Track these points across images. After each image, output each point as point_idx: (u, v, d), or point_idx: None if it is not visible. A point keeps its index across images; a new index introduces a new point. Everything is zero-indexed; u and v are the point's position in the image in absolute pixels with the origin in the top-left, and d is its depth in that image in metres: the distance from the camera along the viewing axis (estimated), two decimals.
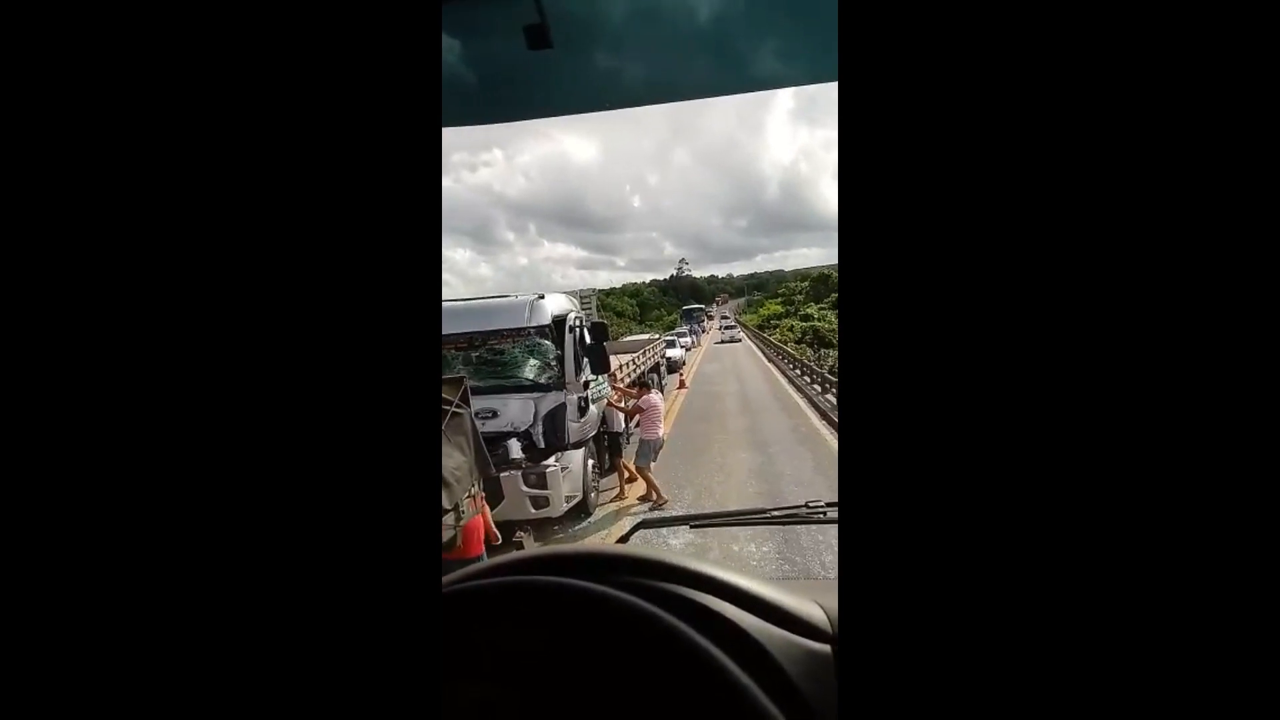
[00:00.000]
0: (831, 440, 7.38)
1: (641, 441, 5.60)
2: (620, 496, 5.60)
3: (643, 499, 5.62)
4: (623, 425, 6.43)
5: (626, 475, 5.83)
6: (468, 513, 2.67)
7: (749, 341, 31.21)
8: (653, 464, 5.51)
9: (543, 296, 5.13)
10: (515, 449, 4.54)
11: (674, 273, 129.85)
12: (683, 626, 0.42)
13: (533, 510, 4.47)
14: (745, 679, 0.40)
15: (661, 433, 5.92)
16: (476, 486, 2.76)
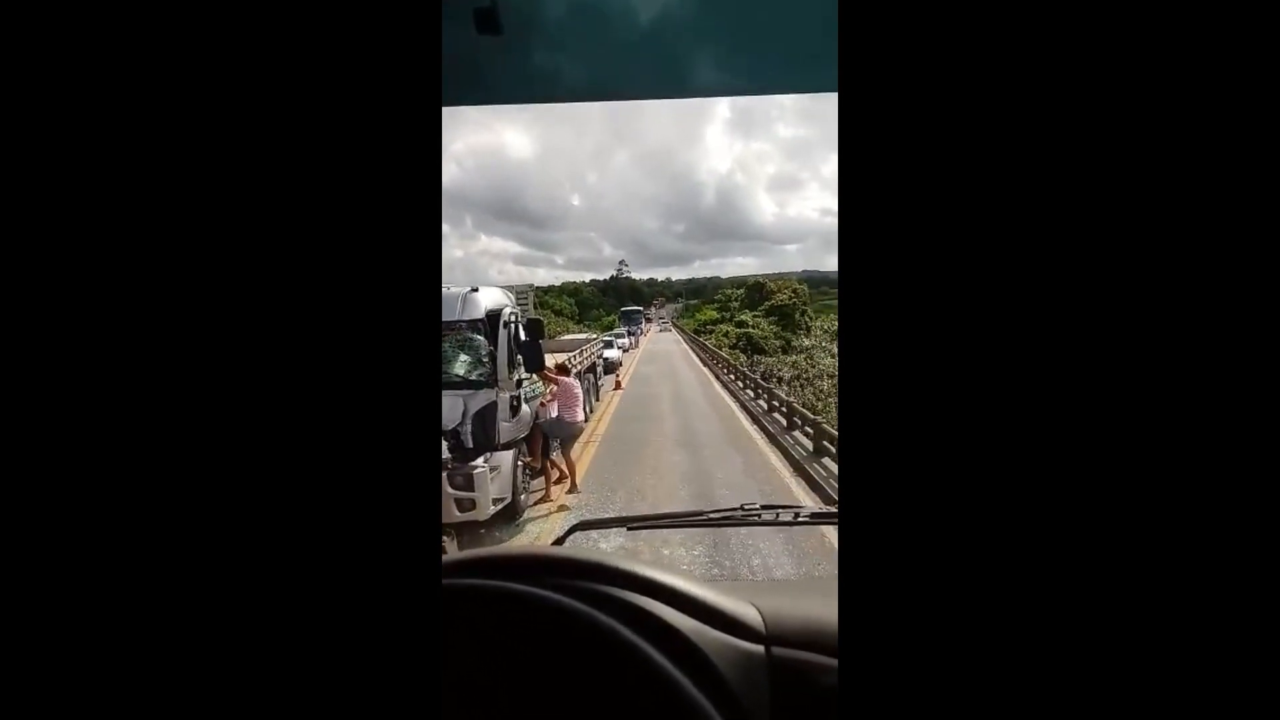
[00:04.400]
0: (762, 444, 7.58)
1: (559, 421, 5.50)
2: (546, 498, 5.47)
3: (568, 490, 5.55)
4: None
5: (555, 476, 5.70)
6: None
7: (685, 345, 31.90)
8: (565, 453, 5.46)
9: (476, 290, 4.93)
10: (441, 449, 4.31)
11: (614, 274, 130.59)
12: (618, 626, 0.42)
13: (457, 513, 4.26)
14: (680, 677, 0.40)
15: (581, 418, 5.83)
16: None
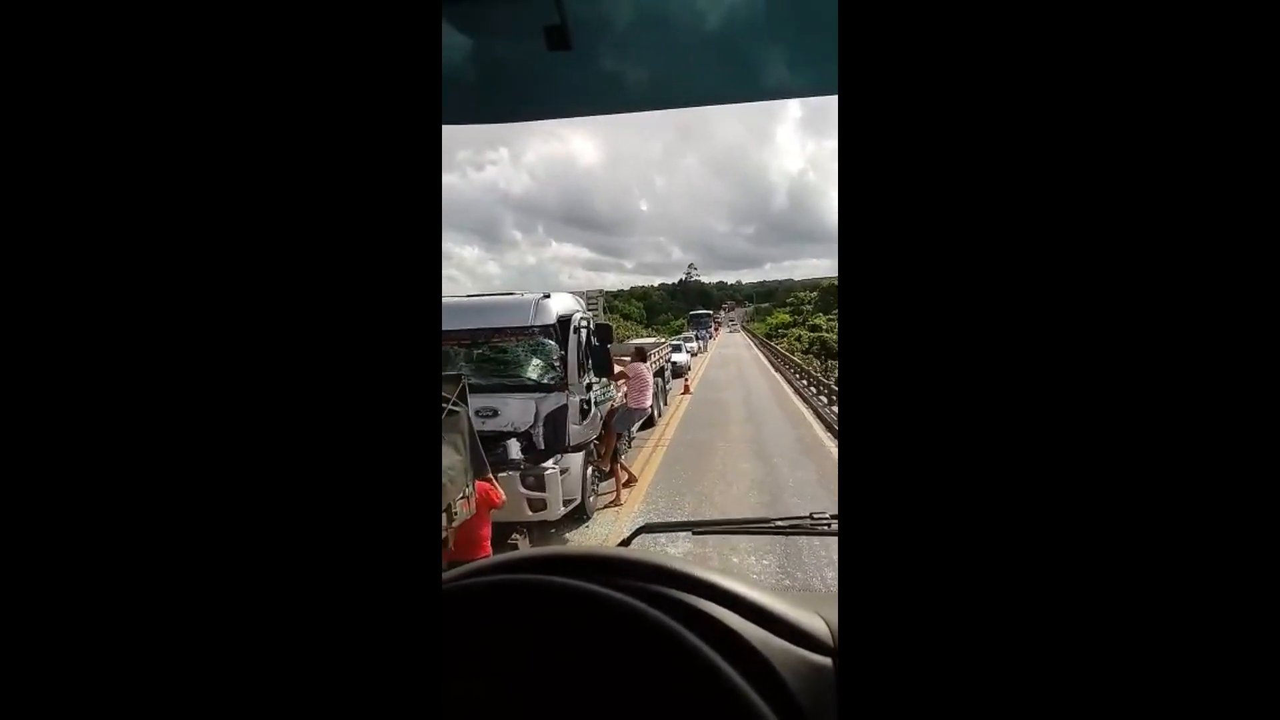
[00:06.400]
0: (835, 452, 7.29)
1: (625, 409, 5.62)
2: (616, 502, 5.53)
3: (627, 484, 5.65)
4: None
5: (625, 479, 5.76)
6: (461, 514, 2.60)
7: (756, 350, 31.33)
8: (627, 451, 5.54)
9: (548, 295, 5.09)
10: (514, 449, 4.48)
11: (682, 277, 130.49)
12: (683, 631, 0.42)
13: (529, 513, 4.40)
14: (745, 686, 0.39)
15: (649, 403, 6.02)
16: (471, 488, 2.69)
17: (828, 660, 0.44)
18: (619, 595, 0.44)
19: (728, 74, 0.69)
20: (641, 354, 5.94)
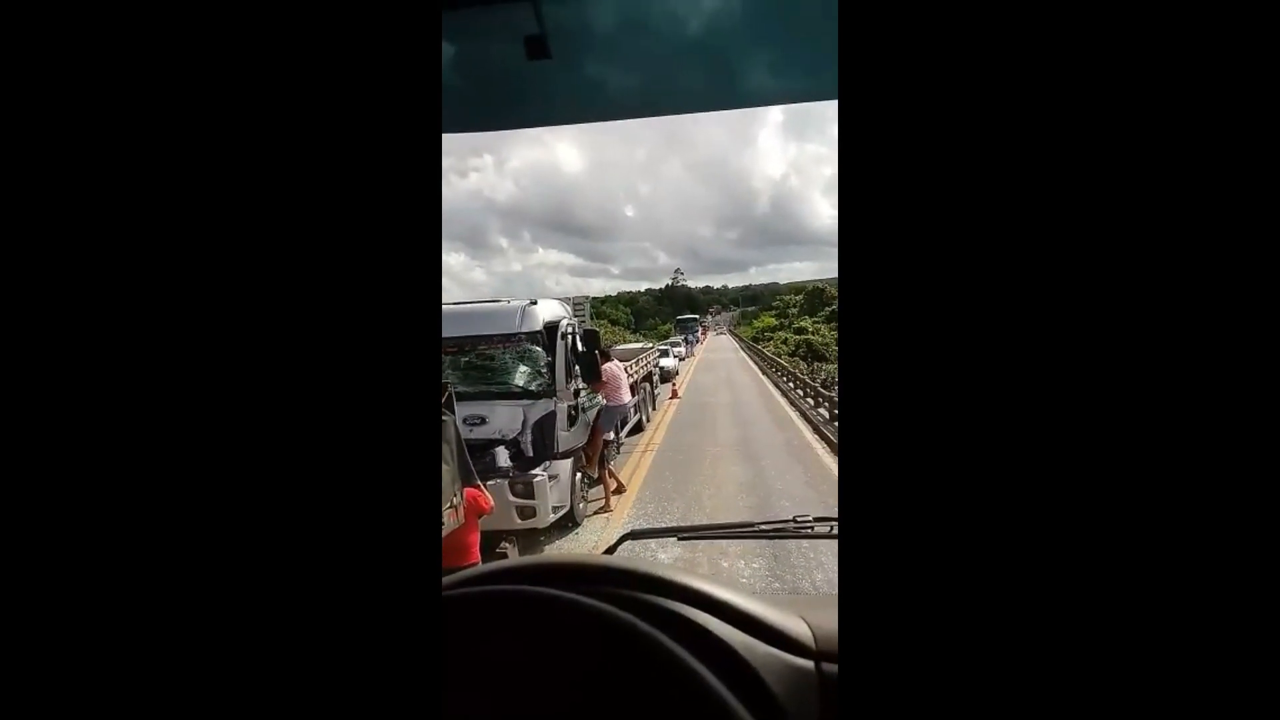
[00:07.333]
0: (824, 455, 7.34)
1: (606, 409, 5.65)
2: (606, 509, 5.51)
3: (616, 492, 5.64)
4: (613, 434, 6.38)
5: (614, 486, 5.74)
6: (448, 524, 2.57)
7: (743, 353, 31.46)
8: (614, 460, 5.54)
9: (535, 302, 5.07)
10: (503, 457, 4.44)
11: (669, 282, 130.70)
12: (664, 639, 0.42)
13: (518, 521, 4.37)
14: (726, 693, 0.39)
15: (627, 398, 6.11)
16: (459, 497, 2.67)
17: (810, 663, 0.44)
18: (601, 604, 0.44)
19: (712, 80, 0.70)
20: (605, 355, 5.99)
